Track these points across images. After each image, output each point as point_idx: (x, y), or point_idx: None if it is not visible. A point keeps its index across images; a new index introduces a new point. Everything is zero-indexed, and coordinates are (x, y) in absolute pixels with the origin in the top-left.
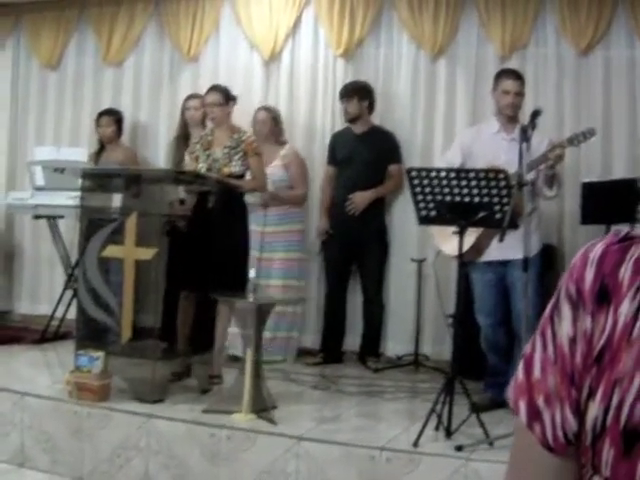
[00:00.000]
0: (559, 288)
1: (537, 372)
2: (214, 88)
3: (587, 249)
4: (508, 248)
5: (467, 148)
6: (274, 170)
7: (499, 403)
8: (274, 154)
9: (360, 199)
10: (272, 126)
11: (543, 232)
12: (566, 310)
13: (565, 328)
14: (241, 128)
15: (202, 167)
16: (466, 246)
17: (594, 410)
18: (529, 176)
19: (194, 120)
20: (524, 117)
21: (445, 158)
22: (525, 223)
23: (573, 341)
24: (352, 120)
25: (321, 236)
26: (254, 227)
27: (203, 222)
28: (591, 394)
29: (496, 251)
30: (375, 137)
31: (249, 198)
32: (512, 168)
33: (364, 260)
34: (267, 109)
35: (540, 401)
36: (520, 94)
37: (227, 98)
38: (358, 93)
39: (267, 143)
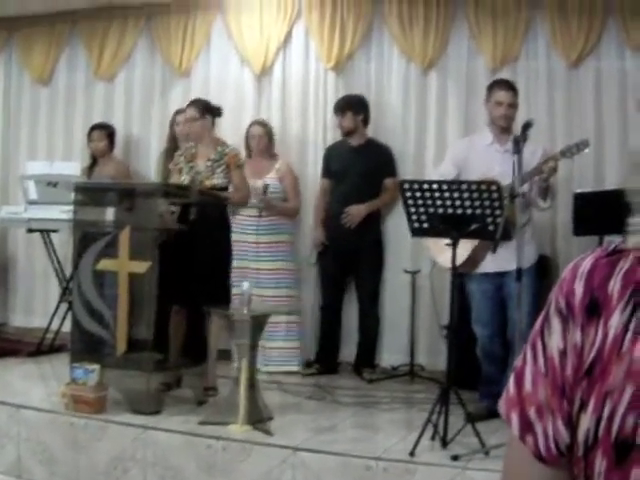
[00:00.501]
0: (549, 301)
1: (528, 385)
2: (191, 103)
3: (576, 263)
4: (504, 260)
5: (461, 160)
6: (269, 182)
7: (494, 412)
8: (269, 167)
9: (356, 212)
10: (267, 140)
11: (538, 243)
12: (556, 323)
13: (555, 341)
14: (225, 141)
15: (185, 179)
16: (462, 258)
17: (586, 422)
18: (523, 188)
19: (182, 134)
20: (517, 128)
21: (438, 171)
22: (519, 234)
23: (563, 354)
24: (347, 134)
25: (317, 247)
26: (248, 237)
27: (185, 234)
28: (582, 406)
29: (492, 263)
30: (370, 150)
31: (241, 209)
32: (506, 180)
33: (360, 272)
34: (262, 124)
35: (532, 413)
36: (513, 105)
37: (203, 112)
38: (352, 107)
39: (261, 157)
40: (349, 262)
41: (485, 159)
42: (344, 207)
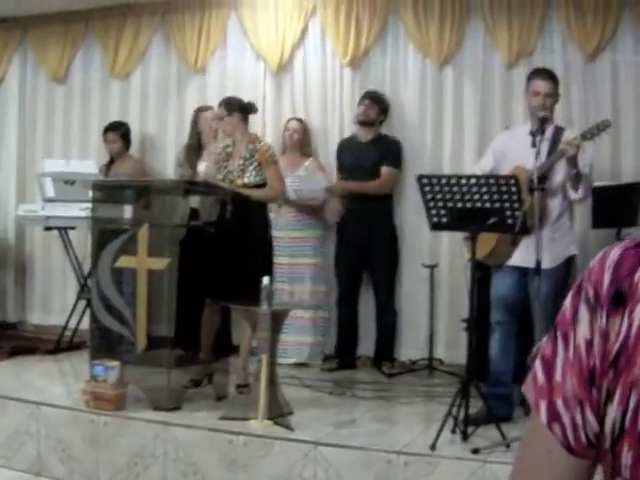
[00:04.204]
0: (580, 290)
1: (558, 375)
2: (220, 102)
3: (605, 253)
4: (532, 255)
5: (499, 152)
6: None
7: (496, 417)
8: (299, 164)
9: (339, 187)
10: (300, 136)
11: (573, 240)
12: (584, 313)
13: (582, 331)
14: (258, 137)
15: (219, 178)
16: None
17: (612, 413)
18: (556, 178)
19: (209, 132)
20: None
21: (478, 164)
22: (551, 229)
23: (590, 344)
24: (364, 124)
25: (339, 213)
26: (286, 233)
27: (221, 231)
28: (609, 397)
29: (520, 257)
30: (379, 145)
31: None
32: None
33: (375, 266)
34: (299, 120)
35: (559, 404)
36: (551, 95)
37: (230, 109)
38: (380, 104)
39: (294, 152)
40: (363, 256)
41: (523, 150)
42: (354, 201)
